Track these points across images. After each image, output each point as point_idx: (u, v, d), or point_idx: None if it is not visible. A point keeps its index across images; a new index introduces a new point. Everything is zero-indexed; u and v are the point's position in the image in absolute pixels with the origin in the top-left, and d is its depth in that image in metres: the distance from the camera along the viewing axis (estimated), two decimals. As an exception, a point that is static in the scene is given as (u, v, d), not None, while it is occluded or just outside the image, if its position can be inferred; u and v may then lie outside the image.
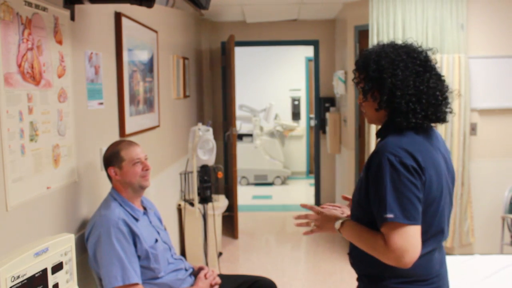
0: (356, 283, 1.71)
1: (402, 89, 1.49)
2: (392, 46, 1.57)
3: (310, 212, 1.77)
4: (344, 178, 5.22)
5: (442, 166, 1.53)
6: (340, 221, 1.63)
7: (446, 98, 1.55)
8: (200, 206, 3.79)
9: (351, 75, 4.80)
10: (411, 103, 1.49)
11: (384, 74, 1.51)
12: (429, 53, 1.59)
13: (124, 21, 2.74)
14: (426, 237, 1.49)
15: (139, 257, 2.17)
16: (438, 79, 1.55)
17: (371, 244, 1.49)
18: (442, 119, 1.56)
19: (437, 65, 1.59)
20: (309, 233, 1.77)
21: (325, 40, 6.08)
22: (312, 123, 6.86)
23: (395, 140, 1.49)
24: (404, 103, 1.49)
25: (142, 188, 2.29)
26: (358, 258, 1.64)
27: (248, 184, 8.08)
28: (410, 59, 1.52)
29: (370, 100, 1.58)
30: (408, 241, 1.39)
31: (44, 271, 1.50)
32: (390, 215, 1.41)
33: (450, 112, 1.60)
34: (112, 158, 2.24)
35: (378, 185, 1.45)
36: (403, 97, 1.49)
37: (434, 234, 1.53)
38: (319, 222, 1.72)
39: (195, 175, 3.66)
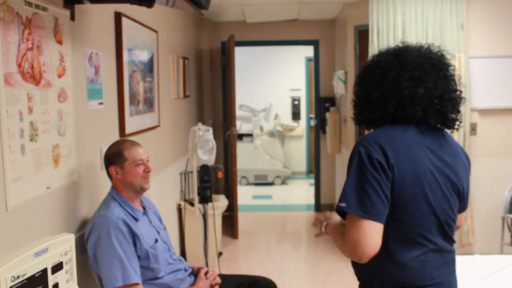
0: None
1: (389, 92, 1.51)
2: (394, 48, 1.59)
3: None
4: (344, 178, 5.21)
5: (425, 165, 1.46)
6: (325, 223, 1.66)
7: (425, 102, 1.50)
8: (200, 206, 3.79)
9: (351, 75, 4.83)
10: (392, 100, 1.50)
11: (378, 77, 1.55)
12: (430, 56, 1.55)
13: (124, 21, 2.74)
14: (409, 241, 1.46)
15: (139, 257, 2.17)
16: (430, 85, 1.50)
17: (336, 238, 1.51)
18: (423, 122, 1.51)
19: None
20: (319, 235, 1.77)
21: (325, 40, 6.08)
22: (312, 123, 6.86)
23: (374, 133, 1.51)
24: (380, 101, 1.52)
25: (143, 190, 2.29)
26: (353, 262, 1.61)
27: (248, 184, 8.08)
28: (404, 63, 1.53)
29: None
30: (361, 234, 1.37)
31: (44, 271, 1.49)
32: (341, 204, 1.42)
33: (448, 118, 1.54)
34: (114, 157, 2.24)
35: (347, 175, 1.49)
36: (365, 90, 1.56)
37: (419, 237, 1.47)
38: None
39: (195, 175, 3.66)
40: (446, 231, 1.52)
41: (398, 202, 1.43)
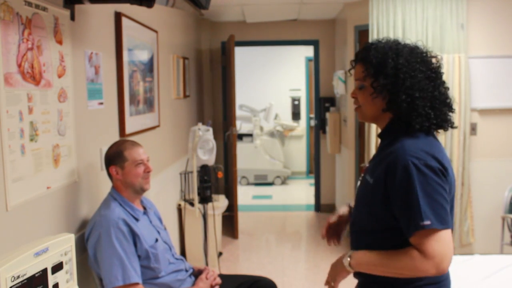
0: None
1: (420, 91, 1.44)
2: (405, 46, 1.52)
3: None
4: (344, 178, 5.22)
5: (452, 167, 1.51)
6: (348, 256, 1.53)
7: (452, 105, 1.54)
8: (200, 206, 3.79)
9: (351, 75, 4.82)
10: (427, 107, 1.45)
11: (400, 73, 1.45)
12: (439, 60, 1.56)
13: (124, 21, 2.74)
14: None
15: (139, 256, 2.17)
16: (444, 86, 1.53)
17: (403, 261, 1.40)
18: (450, 126, 1.54)
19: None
20: None
21: (325, 40, 6.08)
22: (312, 123, 6.86)
23: (412, 143, 1.44)
24: (421, 106, 1.44)
25: (143, 190, 2.29)
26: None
27: (248, 184, 8.08)
28: (424, 63, 1.49)
29: (379, 98, 1.50)
30: (446, 245, 1.36)
31: (44, 271, 1.49)
32: (427, 222, 1.35)
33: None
34: (114, 157, 2.24)
35: (405, 192, 1.38)
36: (420, 100, 1.44)
37: None
38: (331, 276, 1.61)
39: (195, 175, 3.66)
40: None
41: None
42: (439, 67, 1.53)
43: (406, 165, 1.39)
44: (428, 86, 1.47)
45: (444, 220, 1.37)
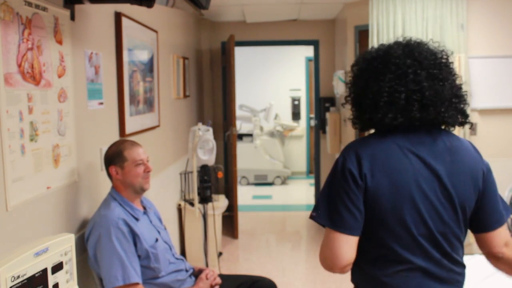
0: None
1: (358, 94, 1.57)
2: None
3: None
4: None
5: (407, 175, 1.35)
6: None
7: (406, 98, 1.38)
8: (200, 206, 3.79)
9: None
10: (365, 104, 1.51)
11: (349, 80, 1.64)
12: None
13: (124, 21, 2.74)
14: (387, 256, 1.38)
15: (139, 256, 2.17)
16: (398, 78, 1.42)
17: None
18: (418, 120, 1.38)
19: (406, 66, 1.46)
20: None
21: (325, 40, 6.08)
22: (312, 123, 6.86)
23: (357, 141, 1.48)
24: (363, 105, 1.53)
25: (143, 190, 2.29)
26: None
27: (248, 184, 8.08)
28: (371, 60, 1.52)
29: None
30: (330, 245, 1.36)
31: (44, 271, 1.49)
32: (313, 213, 1.42)
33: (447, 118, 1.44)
34: (114, 157, 2.24)
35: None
36: (359, 98, 1.55)
37: (398, 255, 1.37)
38: None
39: (195, 175, 3.66)
40: (442, 247, 1.39)
41: (373, 213, 1.36)
42: (398, 63, 1.47)
43: (335, 160, 1.45)
44: (373, 84, 1.47)
45: (334, 222, 1.36)
